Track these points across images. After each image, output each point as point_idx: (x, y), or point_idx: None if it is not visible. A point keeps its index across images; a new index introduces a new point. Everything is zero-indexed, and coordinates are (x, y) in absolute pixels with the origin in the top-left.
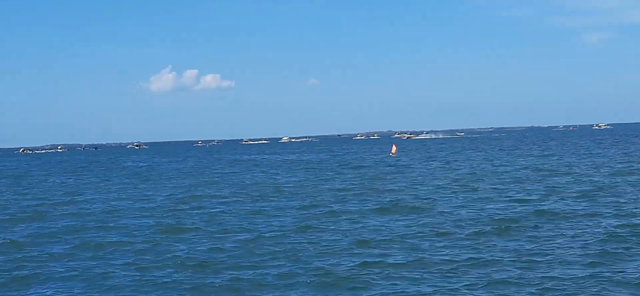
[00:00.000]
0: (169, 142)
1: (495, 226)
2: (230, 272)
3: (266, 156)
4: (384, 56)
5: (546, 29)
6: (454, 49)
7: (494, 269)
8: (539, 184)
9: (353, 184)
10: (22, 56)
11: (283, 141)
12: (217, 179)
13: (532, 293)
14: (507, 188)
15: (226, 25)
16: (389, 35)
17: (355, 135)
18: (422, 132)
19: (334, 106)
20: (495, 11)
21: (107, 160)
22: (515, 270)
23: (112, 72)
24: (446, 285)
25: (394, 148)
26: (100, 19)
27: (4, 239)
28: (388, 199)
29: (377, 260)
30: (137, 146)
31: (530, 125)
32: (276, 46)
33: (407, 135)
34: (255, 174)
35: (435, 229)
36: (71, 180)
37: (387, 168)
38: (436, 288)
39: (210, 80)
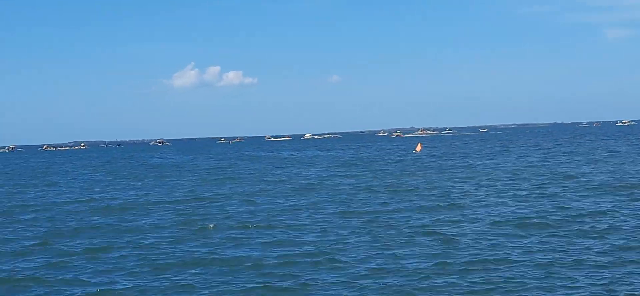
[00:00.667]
0: (192, 139)
1: None
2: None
3: (298, 153)
4: (407, 52)
5: (567, 25)
6: (476, 45)
7: None
8: None
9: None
10: (43, 54)
11: (305, 138)
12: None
13: None
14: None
15: (249, 22)
16: (412, 32)
17: (378, 132)
18: (417, 130)
19: (356, 103)
20: (516, 8)
21: (140, 158)
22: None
23: (135, 69)
24: None
25: (419, 145)
26: (123, 16)
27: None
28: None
29: None
30: (160, 143)
31: (553, 122)
32: (299, 43)
33: (395, 133)
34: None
35: None
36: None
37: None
38: None
39: (232, 77)
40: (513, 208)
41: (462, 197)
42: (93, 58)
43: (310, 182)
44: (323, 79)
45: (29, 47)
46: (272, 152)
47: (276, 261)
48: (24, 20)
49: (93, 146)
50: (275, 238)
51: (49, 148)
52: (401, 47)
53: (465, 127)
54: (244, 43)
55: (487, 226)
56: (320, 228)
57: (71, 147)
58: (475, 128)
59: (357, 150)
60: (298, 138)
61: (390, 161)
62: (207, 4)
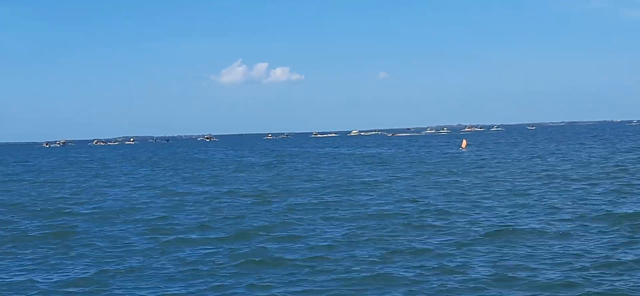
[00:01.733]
0: (239, 135)
1: None
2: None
3: (359, 149)
4: (454, 49)
5: (621, 22)
6: (526, 41)
7: None
8: None
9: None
10: (93, 51)
11: (352, 134)
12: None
13: None
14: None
15: (296, 18)
16: (460, 28)
17: (425, 129)
18: (464, 127)
19: (402, 99)
20: (570, 4)
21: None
22: None
23: (183, 65)
24: None
25: (464, 142)
26: (172, 12)
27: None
28: None
29: None
30: (208, 138)
31: (602, 120)
32: (346, 39)
33: (391, 133)
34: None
35: None
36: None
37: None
38: None
39: (280, 73)
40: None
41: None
42: (142, 55)
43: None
44: (370, 76)
45: (79, 43)
46: (325, 148)
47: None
48: (73, 17)
49: (142, 141)
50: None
51: (99, 143)
52: (449, 43)
53: (512, 125)
54: (292, 39)
55: None
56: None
57: (121, 141)
58: (522, 126)
59: (407, 149)
60: (344, 134)
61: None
62: (256, 1)
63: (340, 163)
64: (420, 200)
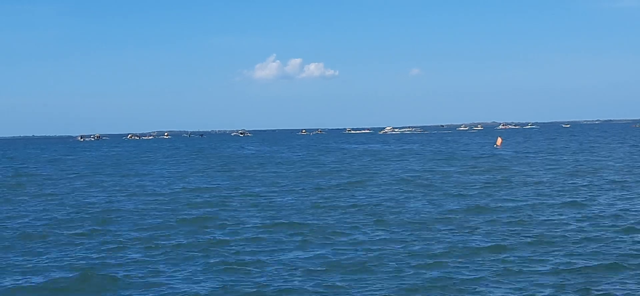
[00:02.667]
0: (272, 130)
1: None
2: None
3: (404, 146)
4: (488, 45)
5: None
6: (560, 38)
7: None
8: None
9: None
10: (128, 45)
11: (385, 131)
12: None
13: None
14: None
15: (331, 14)
16: (493, 24)
17: (459, 126)
18: (499, 124)
19: (436, 96)
20: (603, 2)
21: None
22: None
23: (218, 60)
24: None
25: (499, 140)
26: (208, 7)
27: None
28: None
29: None
30: (241, 134)
31: (638, 118)
32: (380, 35)
33: (476, 127)
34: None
35: None
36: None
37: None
38: None
39: (313, 68)
40: None
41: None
42: (177, 50)
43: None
44: (403, 72)
45: (115, 37)
46: (358, 144)
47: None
48: (107, 11)
49: (176, 136)
50: None
51: (133, 138)
52: (482, 39)
53: (547, 122)
54: (326, 36)
55: None
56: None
57: (155, 136)
58: (557, 124)
59: (445, 143)
60: (376, 131)
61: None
62: None
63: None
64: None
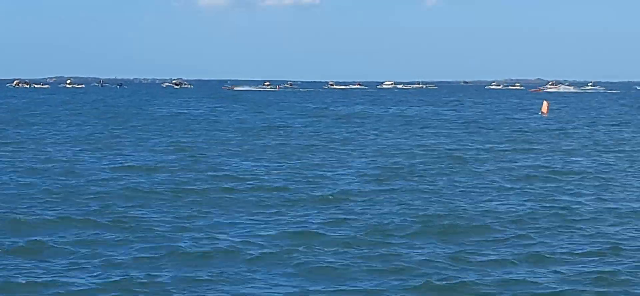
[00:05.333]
0: (222, 81)
1: None
2: None
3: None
4: None
5: None
6: None
7: None
8: None
9: None
10: None
11: (385, 86)
12: None
13: None
14: None
15: None
16: None
17: (490, 83)
18: (546, 82)
19: (460, 40)
20: None
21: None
22: None
23: None
24: None
25: (545, 105)
26: None
27: None
28: None
29: None
30: (177, 84)
31: None
32: None
33: (514, 86)
34: None
35: None
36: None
37: None
38: None
39: None
40: None
41: None
42: None
43: None
44: (415, 2)
45: None
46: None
47: None
48: None
49: (83, 85)
50: None
51: (22, 85)
52: None
53: (614, 82)
54: None
55: None
56: None
57: (53, 83)
58: (629, 84)
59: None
60: (373, 86)
61: None
62: None
63: None
64: None
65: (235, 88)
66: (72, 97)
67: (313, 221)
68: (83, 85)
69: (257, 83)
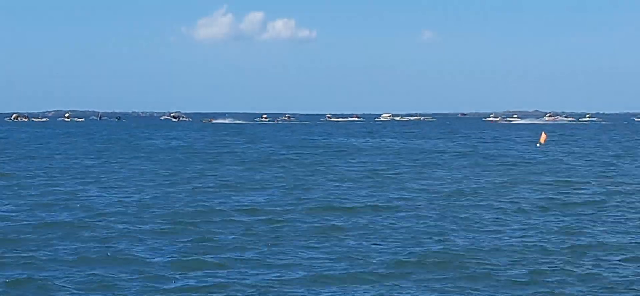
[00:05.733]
0: (220, 113)
1: None
2: None
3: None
4: (537, 4)
5: None
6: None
7: None
8: None
9: None
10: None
11: (383, 119)
12: None
13: None
14: None
15: None
16: None
17: (487, 116)
18: (544, 114)
19: (456, 72)
20: None
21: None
22: None
23: (146, 11)
24: None
25: (543, 136)
26: None
27: None
28: None
29: None
30: (175, 118)
31: None
32: None
33: (512, 118)
34: None
35: None
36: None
37: None
38: None
39: (281, 27)
40: None
41: None
42: None
43: None
44: (410, 35)
45: None
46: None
47: None
48: None
49: (81, 118)
50: None
51: (20, 119)
52: None
53: (611, 114)
54: None
55: None
56: None
57: (51, 117)
58: (626, 116)
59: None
60: (371, 118)
61: None
62: None
63: None
64: None
65: (213, 121)
66: (71, 129)
67: None
68: (83, 119)
69: (255, 116)
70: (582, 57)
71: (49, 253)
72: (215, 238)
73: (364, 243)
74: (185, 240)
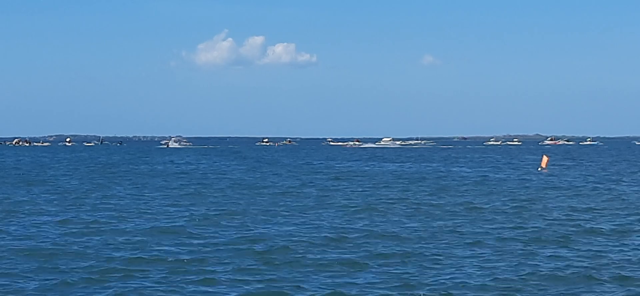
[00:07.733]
0: (221, 138)
1: None
2: None
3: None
4: (533, 22)
5: None
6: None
7: None
8: None
9: None
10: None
11: (384, 143)
12: None
13: None
14: None
15: None
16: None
17: (488, 139)
18: (545, 138)
19: (457, 96)
20: None
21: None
22: None
23: (146, 36)
24: None
25: (544, 160)
26: None
27: None
28: None
29: None
30: (176, 142)
31: None
32: (376, 8)
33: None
34: None
35: None
36: None
37: None
38: None
39: (281, 51)
40: None
41: None
42: (87, 17)
43: None
44: (411, 59)
45: None
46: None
47: None
48: None
49: (82, 143)
50: None
51: (22, 144)
52: (524, 18)
53: (612, 138)
54: (299, 5)
55: None
56: None
57: (53, 142)
58: (627, 140)
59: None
60: (371, 142)
61: None
62: None
63: None
64: None
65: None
66: (73, 154)
67: None
68: (84, 144)
69: (255, 141)
70: (583, 81)
71: None
72: None
73: None
74: None
